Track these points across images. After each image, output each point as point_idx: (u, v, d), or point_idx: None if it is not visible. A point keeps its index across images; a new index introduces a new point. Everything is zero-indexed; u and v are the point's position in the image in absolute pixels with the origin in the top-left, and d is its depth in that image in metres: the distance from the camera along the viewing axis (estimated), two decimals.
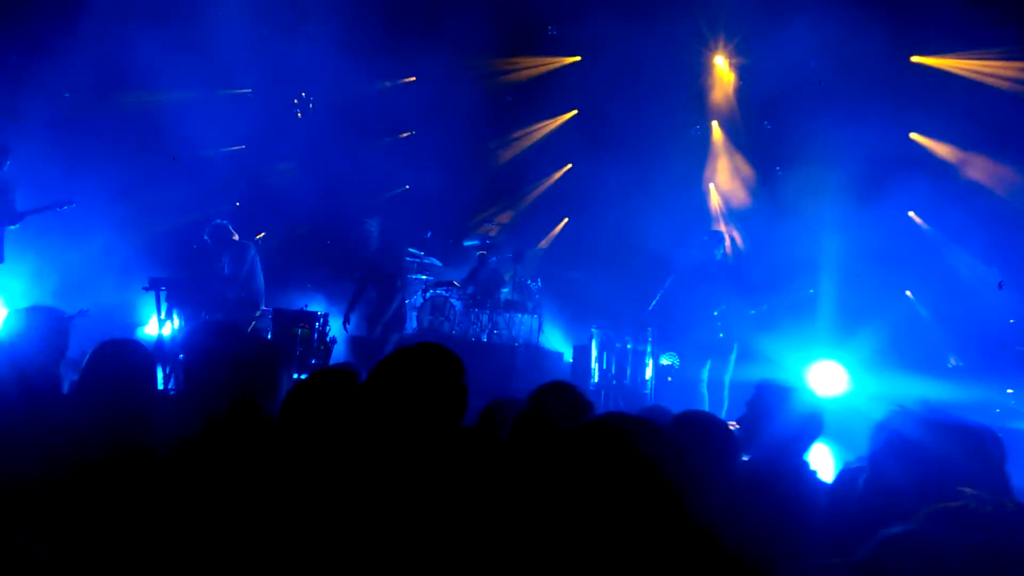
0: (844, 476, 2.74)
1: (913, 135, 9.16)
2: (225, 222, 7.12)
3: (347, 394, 3.09)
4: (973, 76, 8.54)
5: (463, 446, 2.03)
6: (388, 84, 10.50)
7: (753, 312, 6.56)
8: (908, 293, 8.85)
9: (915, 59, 8.93)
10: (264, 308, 7.08)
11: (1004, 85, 8.24)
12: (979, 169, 8.56)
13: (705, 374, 6.49)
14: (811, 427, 2.83)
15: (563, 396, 2.68)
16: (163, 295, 6.28)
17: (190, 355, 3.05)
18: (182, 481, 2.15)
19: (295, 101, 10.24)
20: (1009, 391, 6.82)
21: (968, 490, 1.62)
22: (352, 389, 3.21)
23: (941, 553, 1.25)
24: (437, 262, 9.81)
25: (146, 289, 6.40)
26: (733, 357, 6.47)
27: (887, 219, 8.52)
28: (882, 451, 2.08)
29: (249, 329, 6.73)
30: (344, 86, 9.72)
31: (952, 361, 7.77)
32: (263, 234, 7.56)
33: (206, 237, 7.10)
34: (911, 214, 9.28)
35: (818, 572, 1.34)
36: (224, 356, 2.91)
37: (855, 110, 8.21)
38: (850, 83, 8.33)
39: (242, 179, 9.62)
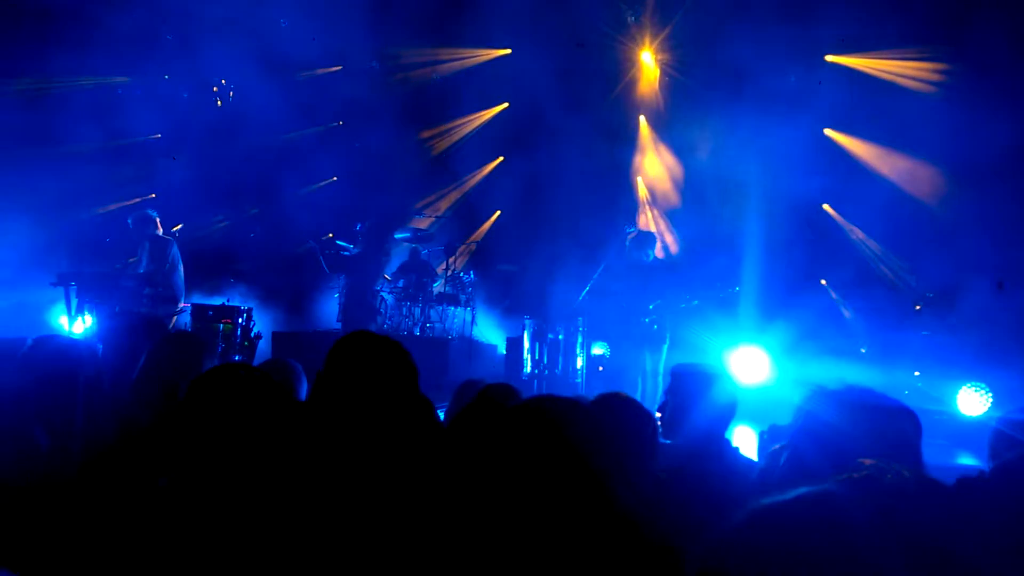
0: (770, 458, 2.83)
1: (827, 131, 9.58)
2: (154, 212, 6.79)
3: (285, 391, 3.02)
4: (884, 76, 8.99)
5: (404, 430, 2.01)
6: (312, 73, 10.23)
7: (683, 306, 6.78)
8: (823, 282, 9.26)
9: (830, 58, 9.33)
10: (184, 304, 6.79)
11: (915, 85, 8.71)
12: (889, 164, 9.02)
13: (648, 364, 6.69)
14: (728, 407, 2.88)
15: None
16: (73, 290, 5.93)
17: (112, 350, 2.92)
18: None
19: (215, 89, 9.86)
20: (916, 373, 7.22)
21: (868, 461, 1.68)
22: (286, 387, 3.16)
23: (801, 522, 1.27)
24: None
25: (54, 284, 6.03)
26: (666, 347, 6.67)
27: (804, 212, 8.89)
28: (801, 431, 2.15)
29: (170, 325, 6.44)
30: (268, 73, 9.42)
31: (863, 350, 8.18)
32: (180, 226, 7.24)
33: (129, 222, 6.73)
34: (826, 207, 9.71)
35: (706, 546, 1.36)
36: (147, 350, 2.80)
37: (772, 104, 8.50)
38: (768, 78, 8.62)
39: (158, 169, 9.20)
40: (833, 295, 9.08)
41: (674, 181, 10.31)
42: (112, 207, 8.86)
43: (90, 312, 6.04)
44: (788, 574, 1.15)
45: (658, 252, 7.22)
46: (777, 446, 2.77)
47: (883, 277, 9.11)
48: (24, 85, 8.25)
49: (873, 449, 1.94)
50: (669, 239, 10.13)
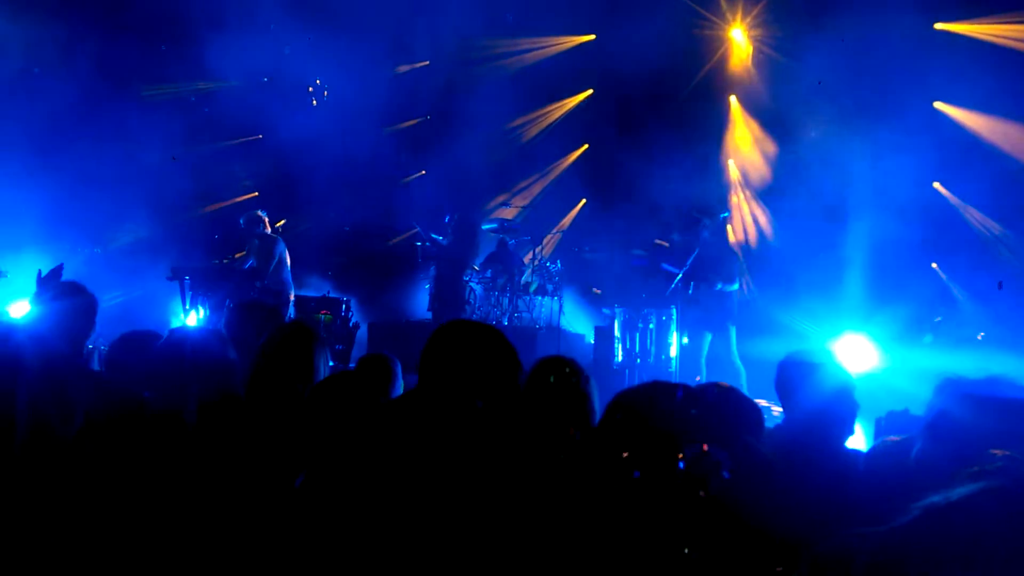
0: (880, 451, 2.70)
1: (938, 104, 8.97)
2: (263, 212, 7.16)
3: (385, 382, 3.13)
4: (998, 41, 8.33)
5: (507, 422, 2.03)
6: (402, 69, 10.45)
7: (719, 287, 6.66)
8: (934, 265, 8.71)
9: (939, 26, 8.72)
10: (292, 297, 7.12)
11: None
12: (1006, 137, 8.36)
13: (718, 349, 6.62)
14: (845, 405, 2.76)
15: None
16: (187, 284, 6.33)
17: (233, 338, 3.10)
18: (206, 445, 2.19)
19: (309, 89, 10.23)
20: None
21: (999, 452, 1.59)
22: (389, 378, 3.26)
23: (980, 518, 1.24)
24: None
25: (169, 279, 6.45)
26: (733, 332, 6.62)
27: (914, 190, 8.36)
28: (931, 425, 2.04)
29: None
30: (358, 73, 9.69)
31: (980, 335, 7.66)
32: (283, 221, 7.59)
33: (241, 222, 7.12)
34: (937, 185, 9.11)
35: (855, 542, 1.32)
36: (263, 335, 2.97)
37: (880, 79, 8.04)
38: (875, 51, 8.14)
39: (260, 168, 9.65)
40: (943, 276, 8.53)
41: (769, 162, 9.92)
42: (217, 206, 9.39)
43: (202, 305, 6.42)
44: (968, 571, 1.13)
45: (738, 235, 7.07)
46: (895, 437, 2.65)
47: (1000, 257, 8.48)
48: (146, 90, 8.80)
49: (1008, 445, 1.82)
50: (763, 221, 9.78)
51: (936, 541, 1.22)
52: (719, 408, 2.44)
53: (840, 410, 2.75)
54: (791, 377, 2.86)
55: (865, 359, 6.42)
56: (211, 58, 8.63)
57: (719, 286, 6.74)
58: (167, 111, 8.76)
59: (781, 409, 2.95)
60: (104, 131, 8.12)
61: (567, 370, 2.53)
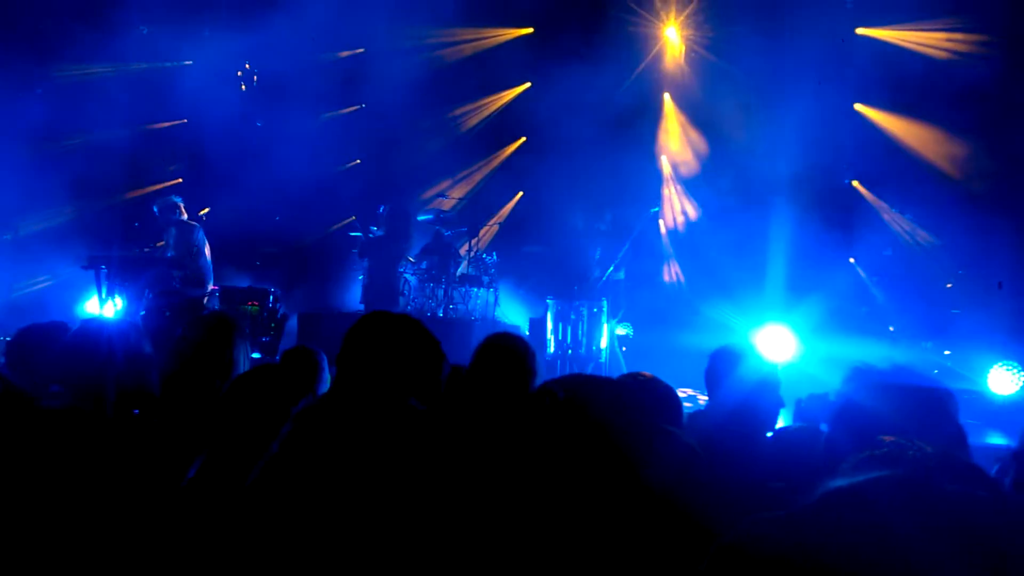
0: (785, 436, 2.81)
1: (858, 106, 9.38)
2: (178, 199, 6.87)
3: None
4: (915, 48, 8.77)
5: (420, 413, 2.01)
6: (334, 56, 10.23)
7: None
8: (851, 260, 9.12)
9: (860, 31, 9.11)
10: (212, 287, 6.88)
11: (946, 56, 8.48)
12: (920, 138, 8.82)
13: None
14: (769, 397, 2.83)
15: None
16: (104, 273, 6.04)
17: (150, 329, 2.98)
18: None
19: (239, 73, 9.91)
20: (947, 352, 7.12)
21: (888, 438, 1.67)
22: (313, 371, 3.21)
23: (875, 499, 1.30)
24: None
25: (85, 268, 6.15)
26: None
27: (832, 188, 8.74)
28: (839, 411, 2.13)
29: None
30: (290, 57, 9.44)
31: (892, 328, 8.07)
32: (207, 210, 7.33)
33: (155, 209, 6.83)
34: (855, 183, 9.54)
35: (756, 528, 1.36)
36: (181, 330, 2.86)
37: (805, 80, 8.35)
38: (801, 53, 8.46)
39: (184, 153, 9.30)
40: (862, 273, 8.95)
41: (699, 157, 10.18)
42: (138, 192, 9.00)
43: (120, 295, 6.15)
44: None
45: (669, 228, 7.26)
46: (791, 425, 2.77)
47: (912, 255, 8.95)
48: (60, 72, 8.35)
49: (910, 430, 1.92)
50: (692, 215, 10.03)
51: (832, 525, 1.27)
52: (638, 397, 2.50)
53: (763, 402, 2.82)
54: (719, 367, 2.95)
55: (785, 349, 6.68)
56: (131, 39, 8.27)
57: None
58: (84, 93, 8.34)
59: (706, 398, 3.03)
60: (16, 113, 7.67)
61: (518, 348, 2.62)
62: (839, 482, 1.38)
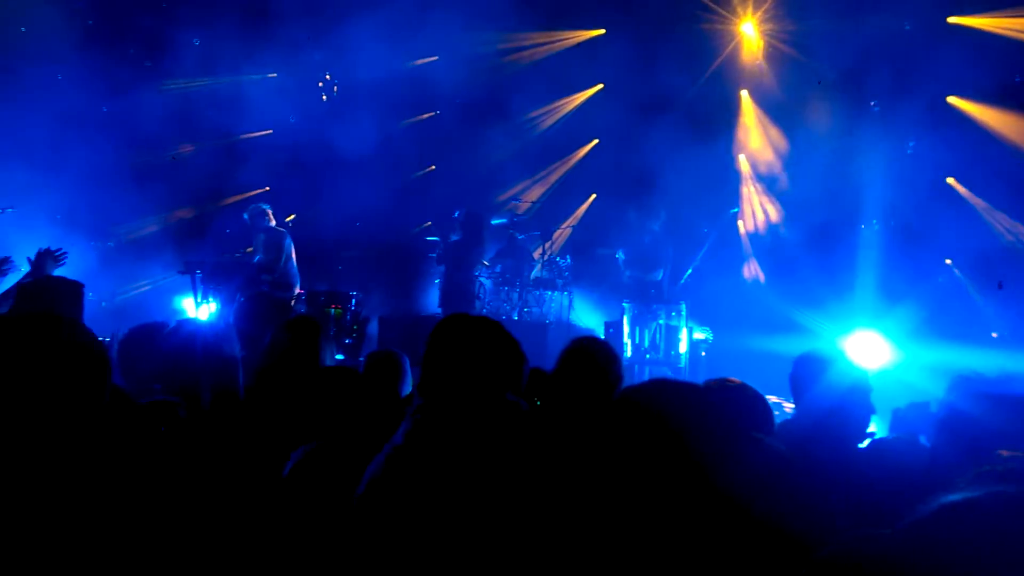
0: (882, 448, 2.68)
1: (951, 99, 8.88)
2: (267, 206, 7.19)
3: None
4: (1011, 35, 8.23)
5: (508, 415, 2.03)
6: (410, 64, 10.44)
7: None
8: (948, 261, 8.64)
9: (952, 20, 8.63)
10: (299, 291, 7.15)
11: None
12: (1019, 130, 8.27)
13: None
14: (859, 405, 2.74)
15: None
16: (199, 278, 6.37)
17: (241, 331, 3.12)
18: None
19: (319, 84, 10.24)
20: None
21: (1005, 452, 1.58)
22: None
23: (994, 516, 1.22)
24: None
25: (181, 272, 6.49)
26: None
27: (929, 185, 8.28)
28: (942, 423, 2.02)
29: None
30: (368, 68, 9.70)
31: (994, 334, 7.60)
32: (293, 216, 7.62)
33: (245, 216, 7.16)
34: (950, 181, 9.03)
35: (859, 544, 1.30)
36: (271, 331, 2.99)
37: (893, 73, 7.97)
38: (888, 45, 8.07)
39: (271, 163, 9.68)
40: (958, 273, 8.46)
41: (780, 156, 9.87)
42: (230, 200, 9.44)
43: (213, 298, 6.47)
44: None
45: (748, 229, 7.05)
46: (888, 438, 2.64)
47: (1015, 255, 8.40)
48: (163, 85, 8.83)
49: (1021, 443, 1.80)
50: (773, 215, 9.72)
51: (945, 543, 1.20)
52: (727, 404, 2.44)
53: (854, 410, 2.74)
54: (805, 372, 2.86)
55: (878, 355, 6.38)
56: (221, 53, 8.66)
57: None
58: (179, 106, 8.81)
59: (793, 405, 2.94)
60: (118, 126, 8.17)
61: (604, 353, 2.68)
62: (953, 497, 1.30)
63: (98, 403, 1.55)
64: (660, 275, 8.27)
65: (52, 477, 1.45)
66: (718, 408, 2.37)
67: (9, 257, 4.10)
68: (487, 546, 1.74)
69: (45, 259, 3.73)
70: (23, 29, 7.17)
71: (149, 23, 8.56)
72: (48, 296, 3.12)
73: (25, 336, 1.51)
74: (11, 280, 3.92)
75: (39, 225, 6.99)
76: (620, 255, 8.70)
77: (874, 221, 7.74)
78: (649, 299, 7.70)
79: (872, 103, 8.18)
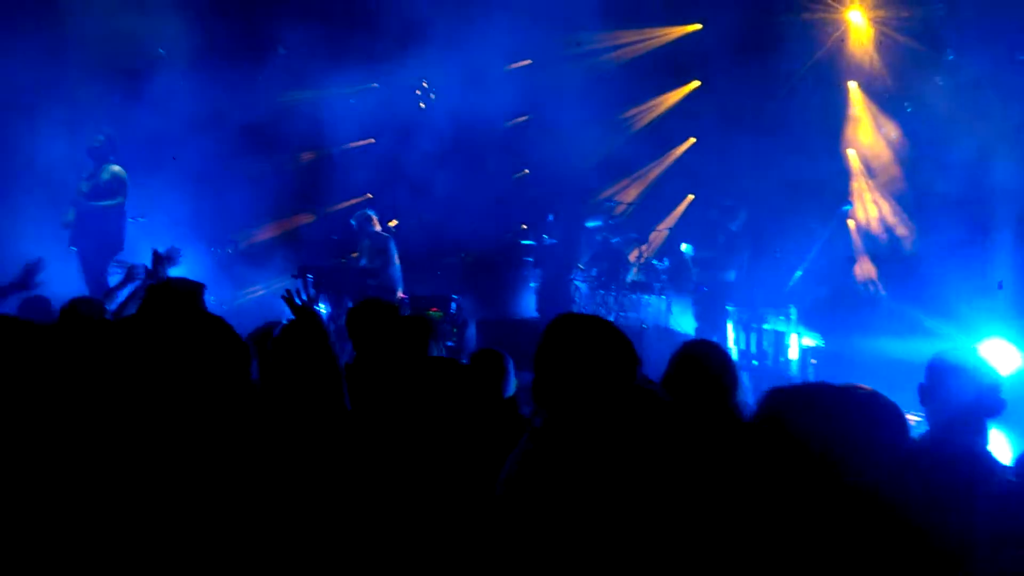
0: None
1: None
2: (372, 212, 7.47)
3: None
4: None
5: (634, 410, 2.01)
6: (505, 69, 10.55)
7: None
8: None
9: None
10: (402, 295, 7.37)
11: None
12: None
13: None
14: (990, 405, 2.64)
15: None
16: (311, 281, 6.66)
17: (354, 329, 3.27)
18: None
19: (416, 92, 10.50)
20: None
21: None
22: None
23: None
24: None
25: (295, 276, 6.82)
26: None
27: None
28: None
29: None
30: (463, 74, 9.87)
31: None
32: (396, 222, 7.87)
33: (352, 222, 7.46)
34: None
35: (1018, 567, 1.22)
36: (382, 329, 3.10)
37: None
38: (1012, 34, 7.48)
39: (373, 171, 10.02)
40: None
41: (894, 150, 9.31)
42: (337, 207, 9.84)
43: (323, 302, 6.76)
44: None
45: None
46: None
47: None
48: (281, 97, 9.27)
49: None
50: (887, 213, 9.18)
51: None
52: (864, 411, 2.34)
53: (986, 413, 2.65)
54: (935, 377, 2.73)
55: (1009, 361, 5.91)
56: (326, 65, 9.03)
57: None
58: (288, 118, 9.26)
59: (916, 418, 2.80)
60: (237, 136, 8.63)
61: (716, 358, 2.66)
62: None
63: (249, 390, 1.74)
64: (732, 276, 8.00)
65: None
66: (854, 416, 2.29)
67: (143, 265, 4.41)
68: (642, 542, 1.74)
69: (161, 261, 4.01)
70: (161, 52, 7.66)
71: (268, 36, 8.99)
72: (175, 297, 3.32)
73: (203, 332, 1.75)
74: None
75: (166, 233, 7.52)
76: (688, 249, 8.47)
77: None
78: (755, 302, 7.44)
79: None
